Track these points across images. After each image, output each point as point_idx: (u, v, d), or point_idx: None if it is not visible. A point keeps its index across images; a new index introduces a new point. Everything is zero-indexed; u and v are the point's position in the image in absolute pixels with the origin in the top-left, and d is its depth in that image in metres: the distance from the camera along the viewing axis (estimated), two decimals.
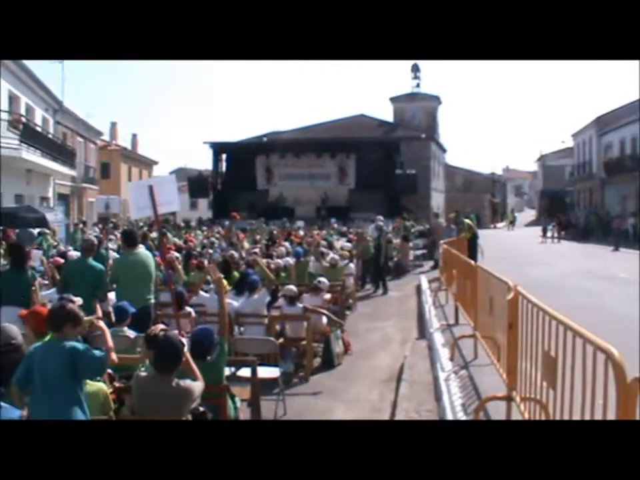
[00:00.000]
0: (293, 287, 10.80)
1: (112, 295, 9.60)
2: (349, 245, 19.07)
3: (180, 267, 12.78)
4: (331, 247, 18.33)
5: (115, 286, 9.44)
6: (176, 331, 7.69)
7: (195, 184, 46.14)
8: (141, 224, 27.65)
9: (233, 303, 10.11)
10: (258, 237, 22.51)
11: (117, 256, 12.11)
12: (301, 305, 10.58)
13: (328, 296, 11.72)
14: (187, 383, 5.16)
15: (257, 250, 16.67)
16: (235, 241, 19.85)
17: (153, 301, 9.33)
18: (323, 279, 11.76)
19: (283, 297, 10.68)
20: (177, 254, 15.16)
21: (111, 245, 18.19)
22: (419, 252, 27.06)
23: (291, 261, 14.50)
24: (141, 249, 9.64)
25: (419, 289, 18.23)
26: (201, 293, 10.90)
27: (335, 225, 31.27)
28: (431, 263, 24.96)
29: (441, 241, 18.01)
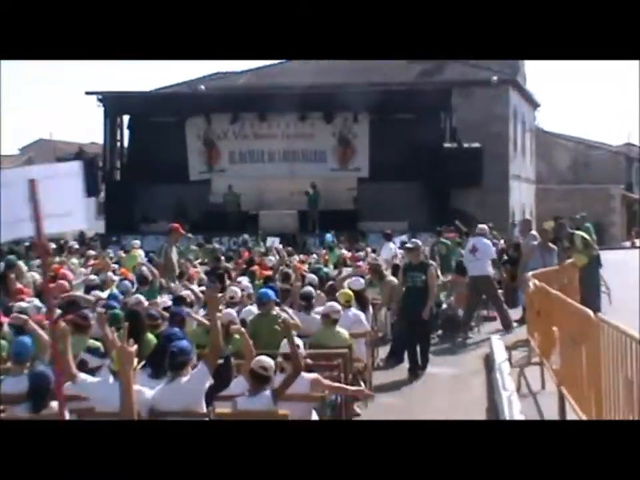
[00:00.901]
0: (266, 360, 10.61)
1: None
2: (361, 281, 18.94)
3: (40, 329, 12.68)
4: (325, 285, 18.19)
5: None
6: None
7: None
8: None
9: (145, 392, 9.99)
10: (191, 267, 22.33)
11: None
12: (270, 394, 10.42)
13: (316, 376, 11.56)
14: None
15: (188, 290, 16.72)
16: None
17: None
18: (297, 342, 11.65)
19: (238, 379, 10.58)
20: (37, 301, 15.15)
21: None
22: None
23: (254, 310, 14.44)
24: None
25: (489, 362, 18.15)
26: (81, 376, 10.74)
27: (332, 244, 31.14)
28: (514, 313, 24.85)
29: (529, 273, 17.94)
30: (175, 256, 21.89)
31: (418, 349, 18.06)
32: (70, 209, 7.21)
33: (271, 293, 14.60)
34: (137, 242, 31.32)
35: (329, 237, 33.32)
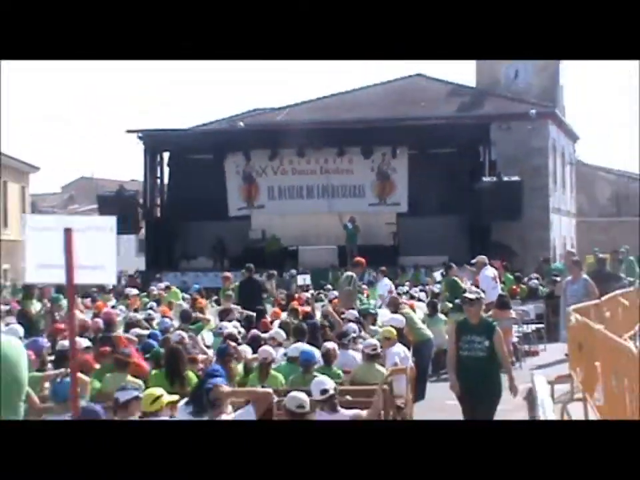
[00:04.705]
0: (302, 397, 10.54)
1: None
2: (401, 319, 18.83)
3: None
4: (365, 324, 18.25)
5: None
6: None
7: (110, 208, 45.12)
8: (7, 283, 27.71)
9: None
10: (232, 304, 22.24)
11: None
12: None
13: (357, 412, 11.50)
14: None
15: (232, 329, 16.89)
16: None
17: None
18: (323, 380, 11.57)
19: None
20: (84, 341, 15.24)
21: None
22: (532, 327, 26.83)
23: (292, 354, 14.43)
24: (2, 335, 9.43)
25: (531, 398, 18.01)
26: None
27: (373, 280, 30.95)
28: (557, 348, 24.64)
29: (570, 307, 17.80)
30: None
31: None
32: (102, 262, 7.26)
33: (316, 355, 14.27)
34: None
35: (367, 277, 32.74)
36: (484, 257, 26.30)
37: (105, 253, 7.24)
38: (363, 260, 25.16)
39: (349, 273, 24.22)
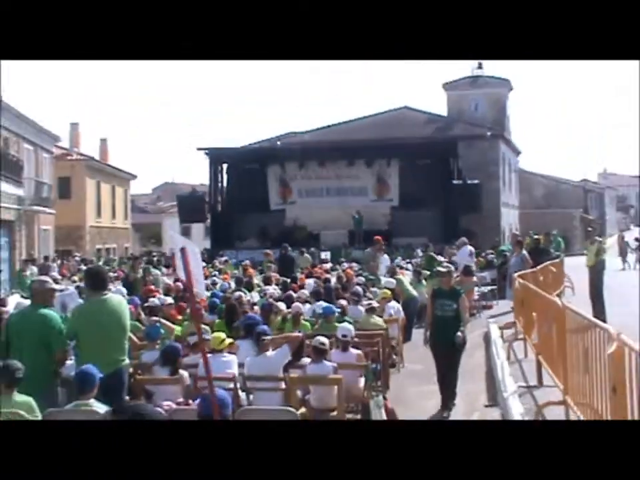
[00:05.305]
0: (323, 339, 10.62)
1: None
2: (392, 281, 18.96)
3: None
4: (368, 286, 18.44)
5: (73, 344, 9.38)
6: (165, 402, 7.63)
7: (186, 204, 46.02)
8: (115, 257, 27.69)
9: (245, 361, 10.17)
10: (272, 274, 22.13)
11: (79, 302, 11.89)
12: (330, 364, 10.40)
13: (360, 352, 11.60)
14: None
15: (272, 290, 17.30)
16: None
17: (127, 362, 9.24)
18: (347, 327, 11.71)
19: (307, 354, 10.63)
20: (167, 298, 15.45)
21: (71, 288, 18.19)
22: (488, 288, 26.83)
23: (318, 310, 14.53)
24: (111, 295, 9.50)
25: (487, 339, 18.02)
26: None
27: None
28: (506, 303, 24.67)
29: (515, 274, 17.83)
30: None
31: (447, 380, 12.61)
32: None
33: (331, 308, 14.28)
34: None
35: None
36: (464, 238, 26.76)
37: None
38: (380, 238, 25.71)
39: (370, 250, 24.43)
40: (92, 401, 7.77)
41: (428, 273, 23.45)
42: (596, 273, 20.19)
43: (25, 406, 7.65)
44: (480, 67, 60.55)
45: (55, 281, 14.98)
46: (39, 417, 7.70)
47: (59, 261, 30.50)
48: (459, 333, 11.95)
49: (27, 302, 11.26)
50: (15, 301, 14.89)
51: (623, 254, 42.34)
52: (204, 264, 28.86)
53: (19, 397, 7.76)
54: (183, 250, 6.30)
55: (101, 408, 7.60)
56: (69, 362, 9.58)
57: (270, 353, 10.28)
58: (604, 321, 12.51)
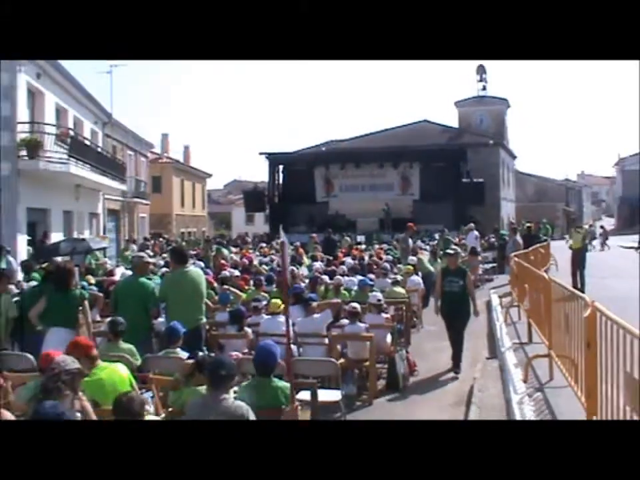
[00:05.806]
0: (356, 304, 10.77)
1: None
2: (414, 258, 18.94)
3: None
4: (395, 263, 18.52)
5: (163, 305, 9.62)
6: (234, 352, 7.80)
7: (250, 197, 46.70)
8: (193, 238, 27.84)
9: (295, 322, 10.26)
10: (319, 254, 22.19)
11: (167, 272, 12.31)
12: (363, 324, 10.52)
13: (388, 315, 11.69)
14: (240, 403, 5.28)
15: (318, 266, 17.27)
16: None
17: (204, 320, 9.47)
18: (379, 295, 11.79)
19: (345, 316, 10.74)
20: (235, 271, 15.56)
21: (161, 262, 18.56)
22: (490, 265, 26.73)
23: (355, 280, 14.58)
24: (191, 267, 9.82)
25: (489, 306, 17.96)
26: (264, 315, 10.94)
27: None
28: (505, 277, 24.58)
29: (511, 254, 17.75)
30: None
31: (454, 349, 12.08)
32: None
33: (367, 280, 14.24)
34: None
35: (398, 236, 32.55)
36: (472, 224, 26.75)
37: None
38: (412, 225, 25.65)
39: (403, 235, 24.40)
40: (178, 349, 7.96)
41: (442, 252, 23.41)
42: (580, 253, 19.95)
43: (128, 351, 7.88)
44: (484, 88, 60.98)
45: (150, 256, 15.21)
46: (139, 361, 7.90)
47: (152, 241, 30.94)
48: (475, 310, 11.77)
49: (129, 272, 11.56)
50: (121, 272, 15.18)
51: (590, 239, 42.53)
52: (264, 244, 29.10)
53: (124, 345, 7.99)
54: (282, 243, 6.49)
55: (184, 355, 7.77)
56: (160, 319, 9.79)
57: (316, 315, 10.44)
58: (583, 290, 12.40)
